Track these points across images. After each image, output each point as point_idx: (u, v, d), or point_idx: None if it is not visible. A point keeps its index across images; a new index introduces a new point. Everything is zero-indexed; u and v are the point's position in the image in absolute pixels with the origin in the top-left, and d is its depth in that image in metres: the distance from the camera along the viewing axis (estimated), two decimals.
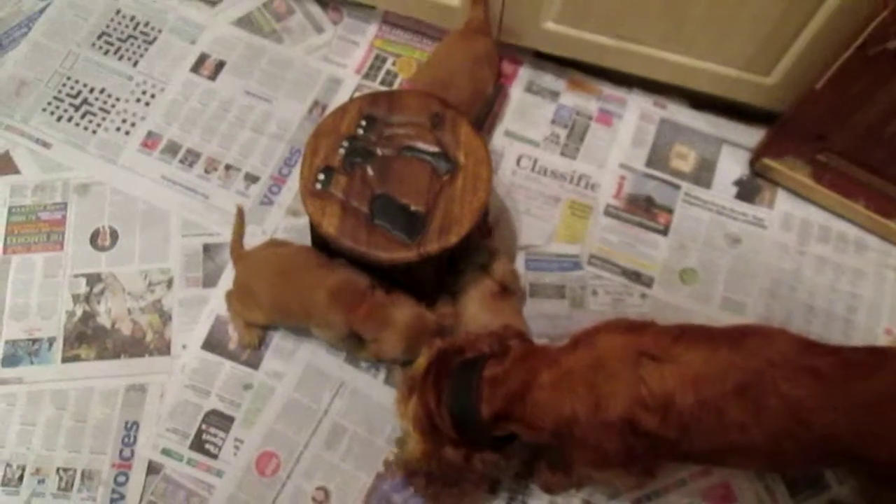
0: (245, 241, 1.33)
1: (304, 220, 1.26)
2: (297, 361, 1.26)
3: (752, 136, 1.42)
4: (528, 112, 1.47)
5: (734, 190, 1.40)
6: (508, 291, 1.24)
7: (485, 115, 1.45)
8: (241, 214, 1.33)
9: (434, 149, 1.15)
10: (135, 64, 1.52)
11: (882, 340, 1.28)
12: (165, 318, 1.30)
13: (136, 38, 1.55)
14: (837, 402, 0.81)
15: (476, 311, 1.20)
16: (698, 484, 1.18)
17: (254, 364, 1.26)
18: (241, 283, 1.25)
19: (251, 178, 1.41)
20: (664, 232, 1.37)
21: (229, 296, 1.27)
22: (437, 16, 1.45)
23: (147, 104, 1.48)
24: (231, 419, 1.22)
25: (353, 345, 1.20)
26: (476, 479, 1.07)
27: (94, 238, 1.36)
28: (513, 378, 0.93)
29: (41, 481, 1.19)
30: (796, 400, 0.81)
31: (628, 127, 1.46)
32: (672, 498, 1.18)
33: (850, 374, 0.82)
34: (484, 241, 1.30)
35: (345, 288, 1.14)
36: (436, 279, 1.24)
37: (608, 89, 1.49)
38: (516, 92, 1.48)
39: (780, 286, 1.32)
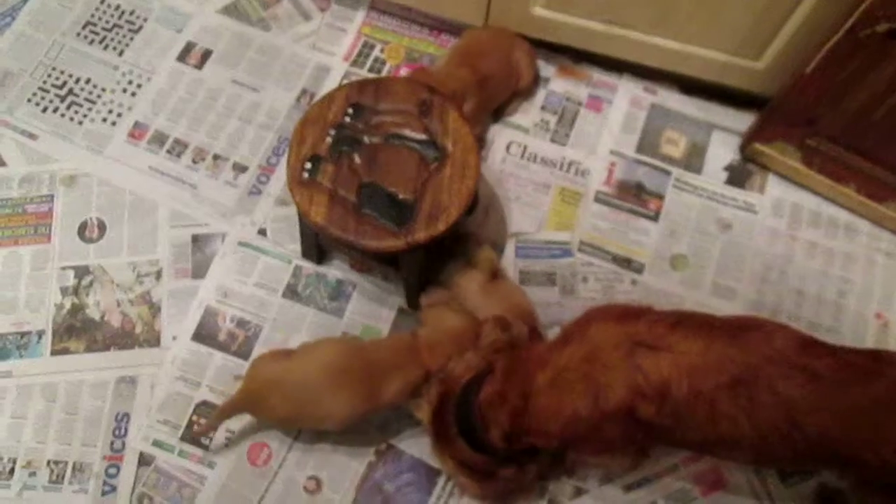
0: (232, 236, 1.32)
1: (292, 210, 1.25)
2: None
3: (743, 121, 1.42)
4: (518, 98, 1.46)
5: (725, 175, 1.40)
6: (498, 273, 1.24)
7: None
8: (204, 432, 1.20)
9: (422, 136, 1.14)
10: (120, 53, 1.51)
11: (872, 325, 1.28)
12: (155, 309, 1.29)
13: (121, 27, 1.53)
14: (832, 405, 0.81)
15: (480, 302, 1.20)
16: (690, 469, 1.18)
17: (244, 355, 1.25)
18: (289, 411, 1.11)
19: (240, 168, 1.40)
20: (655, 218, 1.36)
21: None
22: (426, 0, 1.44)
23: (133, 94, 1.47)
24: None
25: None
26: (533, 478, 1.09)
27: (81, 230, 1.35)
28: (509, 394, 0.93)
29: (32, 474, 1.19)
30: (790, 399, 0.81)
31: (618, 113, 1.45)
32: (664, 482, 1.18)
33: (849, 378, 0.81)
34: (462, 233, 1.30)
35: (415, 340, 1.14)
36: (425, 267, 1.23)
37: (598, 75, 1.48)
38: None
39: (771, 271, 1.32)
